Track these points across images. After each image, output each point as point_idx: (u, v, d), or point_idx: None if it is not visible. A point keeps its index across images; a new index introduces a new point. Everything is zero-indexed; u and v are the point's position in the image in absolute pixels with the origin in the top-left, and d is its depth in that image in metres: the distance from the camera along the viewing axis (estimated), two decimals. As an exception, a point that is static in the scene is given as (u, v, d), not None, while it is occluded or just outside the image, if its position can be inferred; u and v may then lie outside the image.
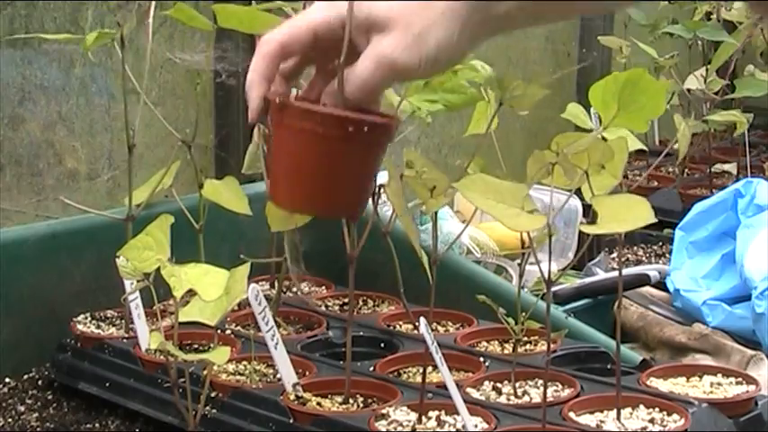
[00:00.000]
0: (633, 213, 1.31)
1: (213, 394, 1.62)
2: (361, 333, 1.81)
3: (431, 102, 1.56)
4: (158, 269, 1.39)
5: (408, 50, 1.11)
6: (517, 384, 1.62)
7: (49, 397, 1.80)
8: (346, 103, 1.12)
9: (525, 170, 1.39)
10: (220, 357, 1.35)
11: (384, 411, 1.54)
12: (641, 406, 1.55)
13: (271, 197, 1.18)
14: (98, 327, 1.85)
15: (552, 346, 1.57)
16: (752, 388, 1.61)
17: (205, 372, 1.54)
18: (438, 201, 1.50)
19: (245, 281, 1.36)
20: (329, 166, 1.14)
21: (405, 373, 1.71)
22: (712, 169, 2.93)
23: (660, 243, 2.66)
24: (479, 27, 1.13)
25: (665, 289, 2.33)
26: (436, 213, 1.59)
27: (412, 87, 1.55)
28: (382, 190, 1.60)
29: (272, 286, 1.98)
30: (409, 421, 1.52)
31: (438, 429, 1.51)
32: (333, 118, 1.12)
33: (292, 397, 1.59)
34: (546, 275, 1.42)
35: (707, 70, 2.86)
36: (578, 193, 1.42)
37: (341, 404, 1.59)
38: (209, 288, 1.33)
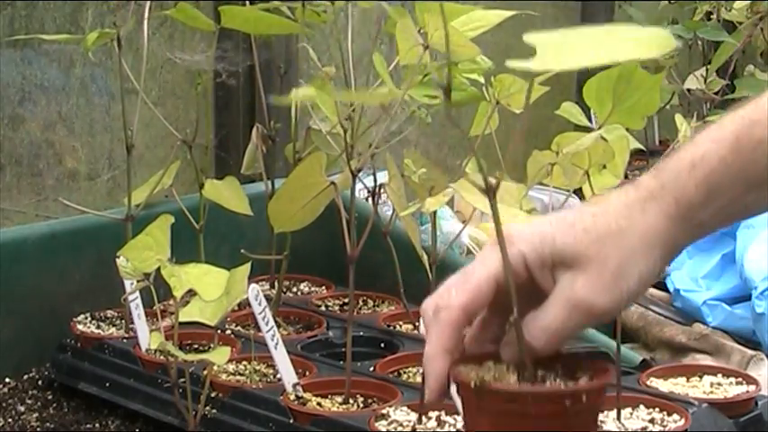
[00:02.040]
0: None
1: (213, 394, 1.62)
2: (361, 333, 1.81)
3: (430, 97, 1.57)
4: (158, 269, 1.39)
5: (608, 291, 0.96)
6: (517, 384, 1.61)
7: (49, 397, 1.80)
8: (532, 354, 0.96)
9: (525, 170, 1.39)
10: (220, 357, 1.35)
11: (384, 411, 1.54)
12: (641, 406, 1.55)
13: None
14: (98, 327, 1.85)
15: (552, 346, 1.56)
16: (752, 388, 1.61)
17: (205, 372, 1.54)
18: (438, 201, 1.50)
19: (245, 281, 1.36)
20: None
21: (405, 373, 1.71)
22: (712, 169, 2.92)
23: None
24: (682, 242, 0.99)
25: (665, 289, 2.33)
26: (435, 213, 1.59)
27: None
28: (383, 189, 1.60)
29: (272, 286, 1.98)
30: (409, 421, 1.52)
31: (438, 429, 1.51)
32: (546, 396, 0.94)
33: (292, 397, 1.59)
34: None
35: (707, 70, 2.86)
36: (579, 192, 1.42)
37: (341, 404, 1.59)
38: (209, 288, 1.33)
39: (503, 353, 0.98)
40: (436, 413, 1.53)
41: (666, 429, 1.49)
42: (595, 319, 0.96)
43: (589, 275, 0.95)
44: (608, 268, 0.95)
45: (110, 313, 1.88)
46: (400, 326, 1.89)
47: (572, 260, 0.96)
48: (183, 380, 1.50)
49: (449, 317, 0.97)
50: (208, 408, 1.60)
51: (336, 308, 1.98)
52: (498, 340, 0.99)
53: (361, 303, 1.98)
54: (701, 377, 1.66)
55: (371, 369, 1.69)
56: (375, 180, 1.65)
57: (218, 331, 1.77)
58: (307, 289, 2.07)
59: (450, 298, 0.97)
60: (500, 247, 0.95)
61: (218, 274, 1.35)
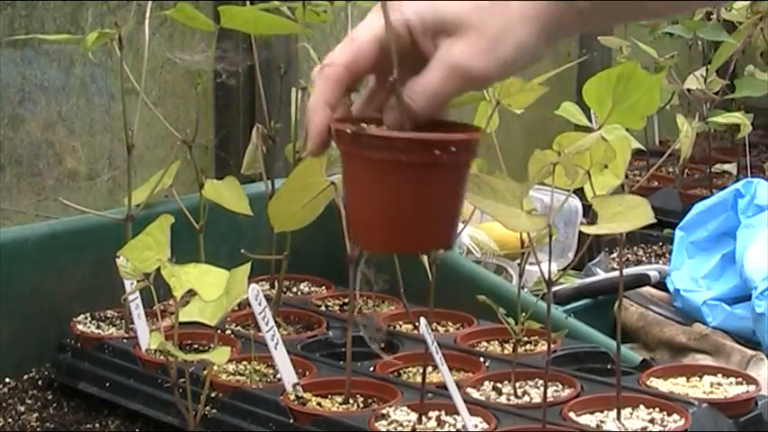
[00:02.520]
0: (633, 214, 1.31)
1: (213, 394, 1.62)
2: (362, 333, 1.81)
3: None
4: (158, 269, 1.39)
5: (484, 56, 0.99)
6: (517, 384, 1.62)
7: (49, 397, 1.80)
8: (412, 118, 1.00)
9: (525, 170, 1.39)
10: (220, 357, 1.35)
11: (384, 411, 1.54)
12: (641, 406, 1.55)
13: (353, 238, 1.06)
14: (98, 327, 1.85)
15: (552, 346, 1.57)
16: (752, 388, 1.61)
17: (205, 372, 1.54)
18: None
19: (245, 281, 1.36)
20: (417, 195, 1.00)
21: (405, 373, 1.71)
22: (712, 169, 2.92)
23: (660, 243, 2.66)
24: (558, 25, 1.02)
25: (665, 289, 2.33)
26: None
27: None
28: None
29: (272, 286, 1.98)
30: (409, 421, 1.52)
31: (438, 429, 1.51)
32: (417, 143, 0.98)
33: (292, 397, 1.59)
34: (546, 275, 1.42)
35: (707, 70, 2.85)
36: (579, 192, 1.42)
37: (341, 404, 1.59)
38: (209, 288, 1.33)
39: (385, 118, 1.01)
40: (436, 413, 1.54)
41: (666, 429, 1.49)
42: (472, 83, 1.00)
43: (468, 41, 0.99)
44: (486, 35, 0.99)
45: (110, 313, 1.88)
46: (400, 326, 1.89)
47: (453, 27, 0.99)
48: (182, 380, 1.50)
49: (331, 72, 1.01)
50: (208, 408, 1.60)
51: (336, 308, 1.98)
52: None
53: (361, 303, 1.98)
54: (701, 377, 1.66)
55: (371, 369, 1.69)
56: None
57: (218, 331, 1.77)
58: (307, 289, 2.07)
59: (335, 57, 1.02)
60: (383, 10, 0.99)
61: (218, 274, 1.35)
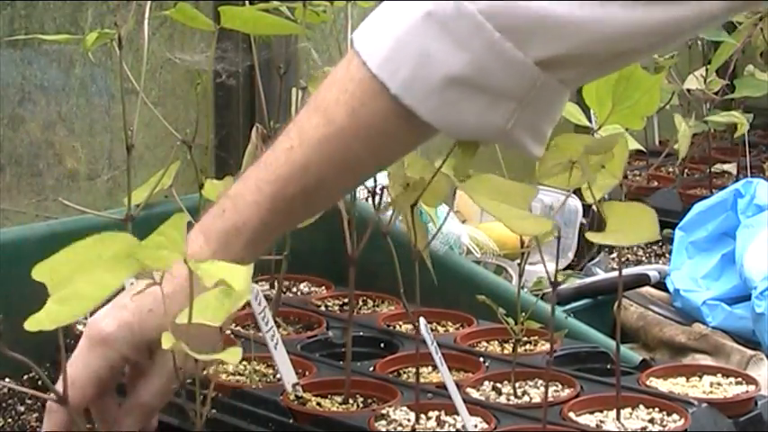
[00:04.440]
0: (640, 226, 1.30)
1: (213, 394, 1.62)
2: (361, 333, 1.81)
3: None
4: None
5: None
6: (517, 384, 1.62)
7: (49, 397, 1.80)
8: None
9: (525, 170, 1.39)
10: (233, 357, 1.34)
11: (384, 411, 1.54)
12: (641, 406, 1.55)
13: None
14: (98, 327, 1.85)
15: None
16: (752, 388, 1.61)
17: (205, 372, 1.54)
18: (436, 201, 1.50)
19: (248, 281, 1.35)
20: None
21: (405, 373, 1.71)
22: (712, 169, 2.93)
23: (660, 243, 2.66)
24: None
25: (665, 289, 2.33)
26: (420, 213, 1.59)
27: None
28: (384, 191, 1.60)
29: (272, 286, 1.98)
30: (409, 421, 1.52)
31: (438, 429, 1.51)
32: None
33: (292, 397, 1.59)
34: (551, 276, 1.42)
35: (707, 70, 2.86)
36: (578, 193, 1.42)
37: (341, 404, 1.60)
38: (234, 280, 1.32)
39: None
40: (436, 413, 1.54)
41: (666, 429, 1.49)
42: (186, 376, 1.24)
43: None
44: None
45: (110, 313, 1.88)
46: (400, 326, 1.89)
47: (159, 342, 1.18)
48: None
49: (54, 419, 1.28)
50: (207, 408, 1.60)
51: (336, 308, 1.98)
52: None
53: (360, 303, 1.98)
54: (700, 377, 1.66)
55: (371, 369, 1.69)
56: (375, 180, 1.65)
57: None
58: (307, 289, 2.07)
59: (51, 407, 1.28)
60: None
61: (239, 270, 1.35)
